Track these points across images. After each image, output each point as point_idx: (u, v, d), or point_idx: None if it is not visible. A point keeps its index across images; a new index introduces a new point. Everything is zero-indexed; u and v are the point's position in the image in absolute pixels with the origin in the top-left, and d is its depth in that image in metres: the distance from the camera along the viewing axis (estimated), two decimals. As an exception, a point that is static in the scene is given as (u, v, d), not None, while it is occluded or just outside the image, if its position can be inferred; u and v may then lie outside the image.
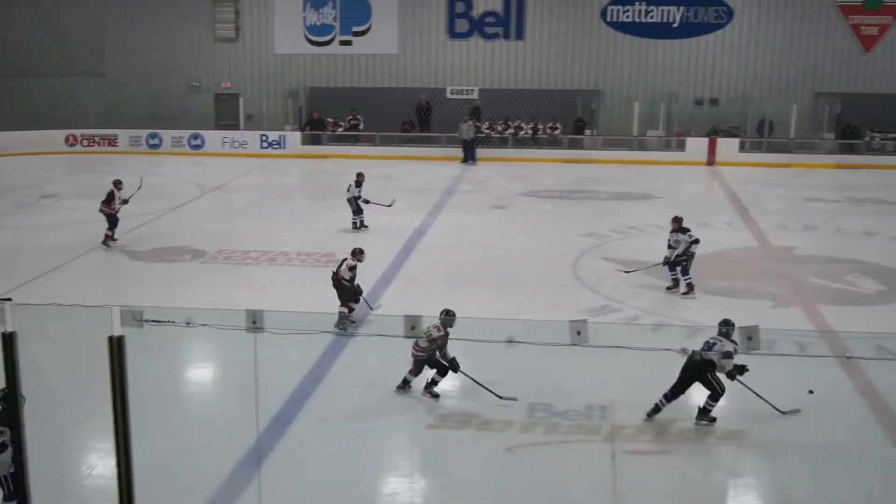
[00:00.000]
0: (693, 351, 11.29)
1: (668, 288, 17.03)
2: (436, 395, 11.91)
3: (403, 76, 35.76)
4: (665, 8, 34.74)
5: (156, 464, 9.05)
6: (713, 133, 33.31)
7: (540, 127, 33.69)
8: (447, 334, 11.62)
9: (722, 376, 11.10)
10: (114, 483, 6.91)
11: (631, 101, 33.88)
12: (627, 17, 34.97)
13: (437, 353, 11.77)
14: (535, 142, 33.78)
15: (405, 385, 11.98)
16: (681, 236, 16.74)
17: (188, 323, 9.57)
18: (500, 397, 11.61)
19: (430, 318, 11.27)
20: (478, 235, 21.34)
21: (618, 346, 10.51)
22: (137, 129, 34.67)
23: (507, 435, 10.91)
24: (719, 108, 34.81)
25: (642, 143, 33.86)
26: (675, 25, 34.84)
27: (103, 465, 9.79)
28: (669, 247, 16.89)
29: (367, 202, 21.71)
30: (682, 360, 11.10)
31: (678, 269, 16.80)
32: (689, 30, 34.86)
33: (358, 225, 21.77)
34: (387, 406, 11.64)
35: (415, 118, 34.36)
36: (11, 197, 25.64)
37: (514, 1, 35.19)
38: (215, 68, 36.53)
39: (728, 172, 30.42)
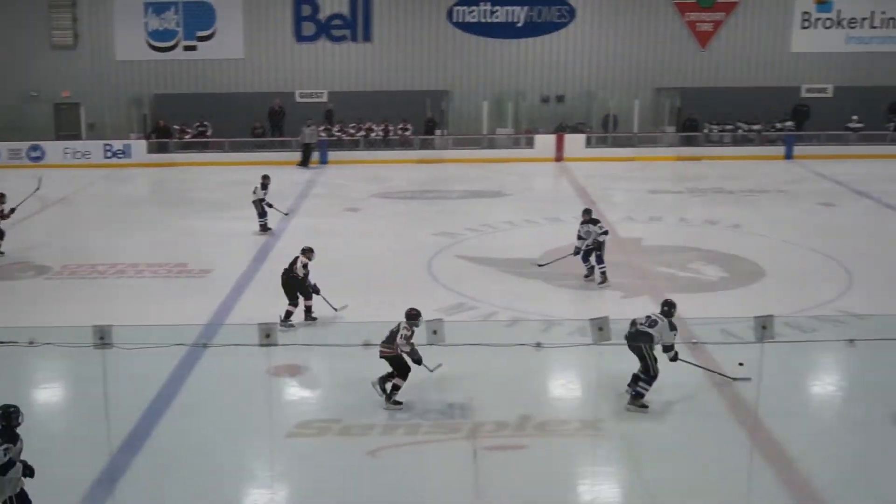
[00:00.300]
0: (632, 322, 11.68)
1: (585, 276, 17.49)
2: (399, 403, 11.66)
3: (251, 81, 35.24)
4: (509, 8, 35.24)
5: (2, 491, 8.66)
6: (560, 129, 33.96)
7: (391, 128, 33.73)
8: (413, 333, 11.48)
9: (659, 355, 11.53)
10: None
11: (479, 101, 34.26)
12: (473, 17, 35.34)
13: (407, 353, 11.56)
14: (386, 143, 33.80)
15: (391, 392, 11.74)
16: (591, 227, 17.24)
17: (31, 342, 9.22)
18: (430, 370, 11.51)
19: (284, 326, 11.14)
20: (332, 239, 21.18)
21: (475, 344, 10.65)
22: (-30, 142, 33.11)
23: (368, 439, 10.88)
24: (565, 104, 35.50)
25: (492, 141, 34.29)
26: (519, 25, 35.39)
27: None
28: (580, 237, 17.36)
29: (269, 205, 21.63)
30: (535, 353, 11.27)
31: (592, 258, 17.31)
32: (533, 29, 35.46)
33: (264, 227, 21.64)
34: (244, 416, 11.45)
35: (267, 123, 33.88)
36: None
37: (360, 3, 35.10)
38: (54, 76, 35.19)
39: (576, 167, 31.08)
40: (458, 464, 10.38)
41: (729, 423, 11.39)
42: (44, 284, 17.73)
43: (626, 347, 11.39)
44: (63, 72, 35.13)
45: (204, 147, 33.59)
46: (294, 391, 12.50)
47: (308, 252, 15.02)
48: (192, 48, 35.10)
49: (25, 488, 8.39)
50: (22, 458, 8.35)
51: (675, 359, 11.67)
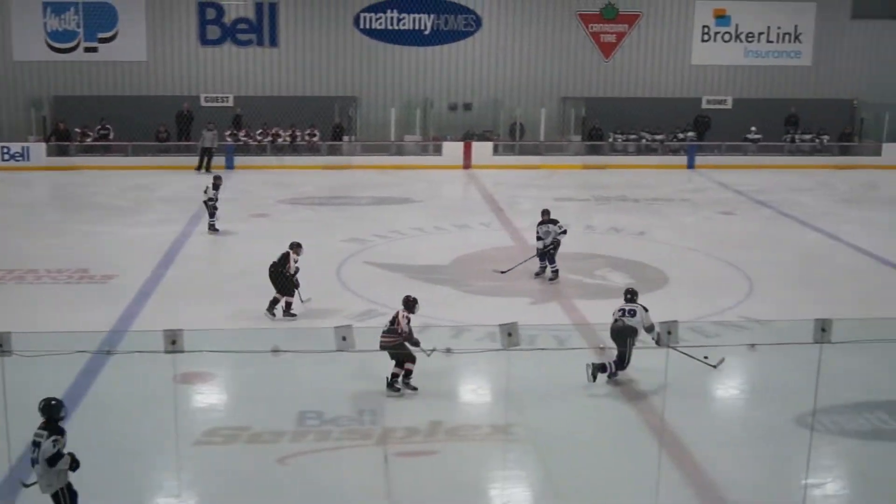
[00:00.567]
0: (616, 318, 12.67)
1: (536, 274, 18.15)
2: (414, 388, 12.21)
3: (155, 84, 34.58)
4: (416, 15, 35.33)
5: None
6: (468, 137, 34.13)
7: (298, 134, 33.46)
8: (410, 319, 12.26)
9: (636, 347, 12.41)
10: None
11: (387, 107, 34.23)
12: (380, 24, 35.30)
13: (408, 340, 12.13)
14: (294, 149, 33.48)
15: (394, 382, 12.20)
16: (550, 227, 17.97)
17: (-74, 351, 8.87)
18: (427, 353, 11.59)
19: (191, 332, 10.98)
20: (239, 245, 20.97)
21: (384, 350, 10.62)
22: None
23: (277, 446, 10.76)
24: (473, 112, 35.70)
25: (400, 148, 34.26)
26: (426, 33, 35.47)
27: None
28: (539, 238, 18.01)
29: (215, 208, 21.73)
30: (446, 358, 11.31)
31: (546, 258, 17.98)
32: (440, 37, 35.59)
33: (212, 227, 21.76)
34: (150, 425, 11.21)
35: (175, 127, 33.27)
36: None
37: (266, 8, 34.77)
38: (-53, 77, 34.09)
39: (484, 175, 31.26)
40: (369, 470, 10.33)
41: (637, 426, 11.56)
42: (-63, 292, 17.15)
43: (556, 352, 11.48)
44: (-43, 73, 34.05)
45: (106, 150, 32.82)
46: (201, 398, 12.29)
47: (297, 248, 15.55)
48: (94, 49, 34.28)
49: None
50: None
51: (658, 341, 11.80)
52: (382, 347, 12.05)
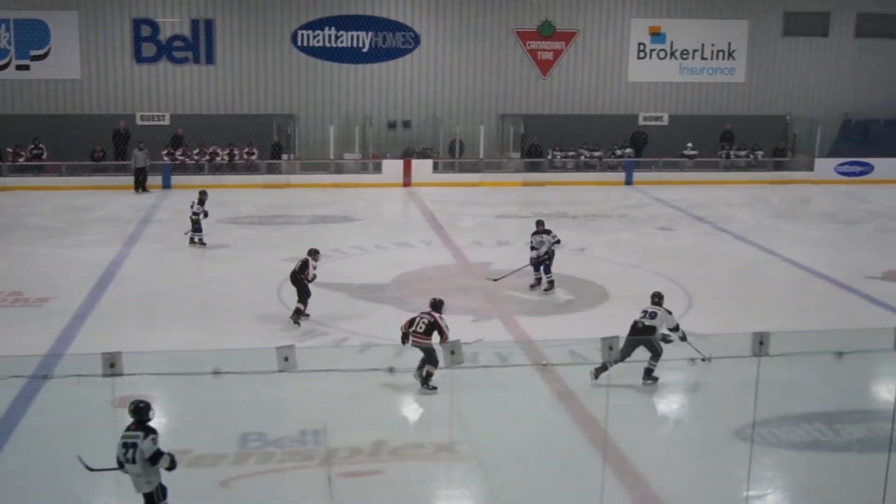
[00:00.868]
0: (636, 320, 13.28)
1: (531, 286, 18.72)
2: (434, 388, 12.73)
3: (89, 102, 34.12)
4: (354, 33, 35.31)
5: None
6: (407, 155, 34.14)
7: (236, 152, 33.21)
8: None
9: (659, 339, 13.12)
10: None
11: (326, 125, 34.13)
12: (318, 41, 35.24)
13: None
14: (232, 167, 33.23)
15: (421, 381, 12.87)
16: (544, 237, 18.57)
17: None
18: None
19: (130, 354, 10.82)
20: (177, 265, 20.71)
21: (327, 370, 10.55)
22: None
23: (219, 469, 10.62)
24: (412, 130, 35.73)
25: (339, 166, 34.16)
26: (364, 50, 35.47)
27: None
28: (532, 248, 18.63)
29: (198, 222, 22.21)
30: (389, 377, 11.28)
31: (541, 268, 18.49)
32: (378, 54, 35.61)
33: (196, 241, 22.17)
34: (88, 449, 10.97)
35: (110, 146, 32.78)
36: None
37: (202, 25, 34.51)
38: None
39: (424, 193, 31.27)
40: (313, 492, 10.25)
41: (580, 441, 11.60)
42: None
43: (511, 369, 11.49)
44: None
45: (39, 171, 32.28)
46: (141, 422, 12.08)
47: (315, 254, 16.45)
48: (26, 67, 33.73)
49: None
50: None
51: (684, 338, 13.27)
52: (415, 345, 13.01)
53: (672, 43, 37.14)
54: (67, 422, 11.78)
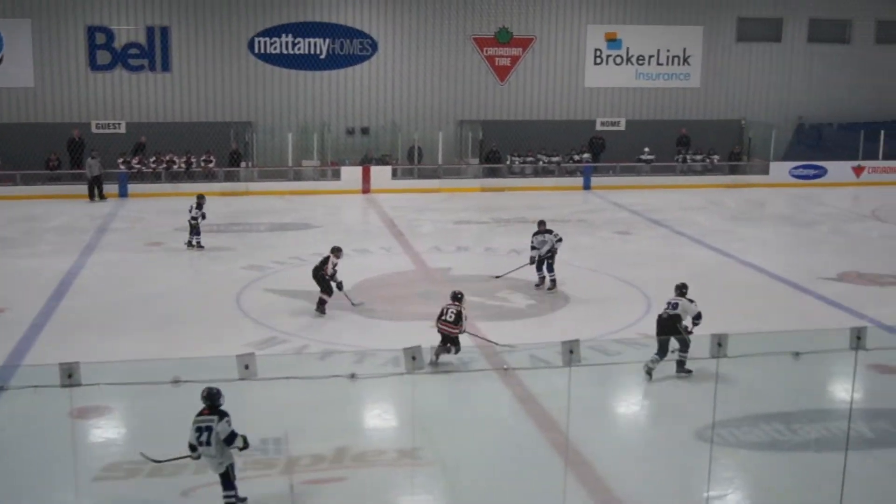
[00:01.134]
0: (659, 314, 13.97)
1: (536, 285, 19.29)
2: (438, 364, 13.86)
3: (43, 111, 33.75)
4: (311, 40, 35.24)
5: None
6: (366, 161, 34.06)
7: (193, 160, 32.99)
8: None
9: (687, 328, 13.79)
10: None
11: (284, 132, 33.98)
12: (275, 48, 35.11)
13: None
14: (189, 175, 33.01)
15: (437, 358, 13.86)
16: (546, 237, 19.12)
17: None
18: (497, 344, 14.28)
19: (88, 364, 10.71)
20: (134, 274, 20.52)
21: (287, 378, 10.50)
22: None
23: (180, 478, 10.52)
24: (371, 136, 35.70)
25: (298, 173, 34.03)
26: (322, 57, 35.40)
27: None
28: (533, 248, 19.19)
29: (196, 226, 22.73)
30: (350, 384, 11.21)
31: (544, 267, 19.08)
32: (336, 61, 35.56)
33: (193, 244, 22.72)
34: (47, 461, 10.88)
35: (66, 154, 32.42)
36: None
37: (157, 32, 34.27)
38: None
39: (383, 199, 31.24)
40: (276, 500, 10.20)
41: (542, 444, 11.64)
42: None
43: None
44: None
45: (-8, 180, 31.91)
46: (100, 433, 11.98)
47: (337, 252, 17.16)
48: (-22, 76, 33.37)
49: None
50: None
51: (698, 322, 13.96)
52: (440, 332, 14.12)
53: (628, 49, 37.45)
54: (25, 433, 11.63)
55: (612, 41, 37.42)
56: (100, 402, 12.32)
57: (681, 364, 13.76)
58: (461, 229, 26.29)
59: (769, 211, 31.36)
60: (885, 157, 35.99)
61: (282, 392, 11.96)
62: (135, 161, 32.46)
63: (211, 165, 33.00)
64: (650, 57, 37.72)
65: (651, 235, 25.77)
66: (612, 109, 37.58)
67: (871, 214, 29.47)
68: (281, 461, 11.04)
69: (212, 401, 9.74)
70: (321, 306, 17.07)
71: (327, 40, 35.34)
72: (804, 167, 35.71)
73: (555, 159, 35.64)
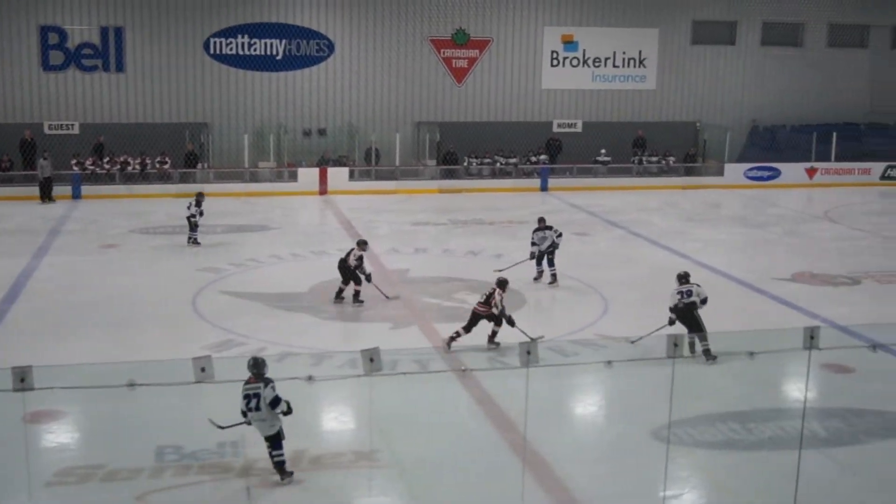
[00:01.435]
0: (671, 306, 14.74)
1: (534, 279, 19.85)
2: (497, 344, 14.94)
3: (-6, 111, 33.38)
4: (267, 41, 35.07)
5: None
6: (323, 163, 33.93)
7: (148, 161, 32.68)
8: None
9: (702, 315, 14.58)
10: None
11: (240, 134, 33.77)
12: (231, 49, 34.89)
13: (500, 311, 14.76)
14: (144, 177, 32.71)
15: (456, 337, 14.85)
16: (546, 233, 19.72)
17: None
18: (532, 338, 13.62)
19: (41, 368, 10.57)
20: (88, 276, 20.28)
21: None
22: None
23: (135, 483, 10.42)
24: (328, 138, 35.59)
25: (255, 174, 33.84)
26: (278, 58, 35.25)
27: None
28: (533, 244, 19.76)
29: (197, 223, 23.27)
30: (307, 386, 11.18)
31: (545, 261, 19.70)
32: (292, 62, 35.41)
33: (192, 240, 23.27)
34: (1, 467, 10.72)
35: (18, 155, 31.95)
36: None
37: (111, 33, 33.92)
38: None
39: (340, 201, 31.15)
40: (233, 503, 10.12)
41: (500, 446, 11.65)
42: None
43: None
44: None
45: (-59, 182, 31.41)
46: (53, 437, 11.80)
47: (362, 244, 17.91)
48: (-73, 76, 32.84)
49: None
50: None
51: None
52: (475, 313, 14.98)
53: (584, 51, 37.67)
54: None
55: (569, 43, 37.62)
56: (53, 406, 12.14)
57: (707, 353, 14.28)
58: (419, 231, 26.28)
59: (724, 212, 31.68)
60: (838, 159, 36.51)
61: (239, 395, 11.89)
62: (88, 162, 32.09)
63: (166, 167, 32.73)
64: (606, 59, 37.96)
65: (608, 237, 25.93)
66: (569, 111, 37.78)
67: (824, 215, 29.85)
68: (238, 464, 10.95)
69: (257, 369, 10.47)
70: (356, 297, 17.76)
71: (284, 41, 35.19)
72: (758, 169, 36.11)
73: (512, 161, 35.75)
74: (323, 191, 32.56)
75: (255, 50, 35.05)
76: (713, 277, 21.00)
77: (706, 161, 37.62)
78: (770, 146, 38.18)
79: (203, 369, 8.65)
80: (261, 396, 10.30)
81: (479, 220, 27.90)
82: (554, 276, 19.71)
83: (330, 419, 12.81)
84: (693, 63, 38.75)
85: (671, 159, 36.72)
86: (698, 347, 14.30)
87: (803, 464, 9.84)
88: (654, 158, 36.82)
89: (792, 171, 36.15)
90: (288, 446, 11.23)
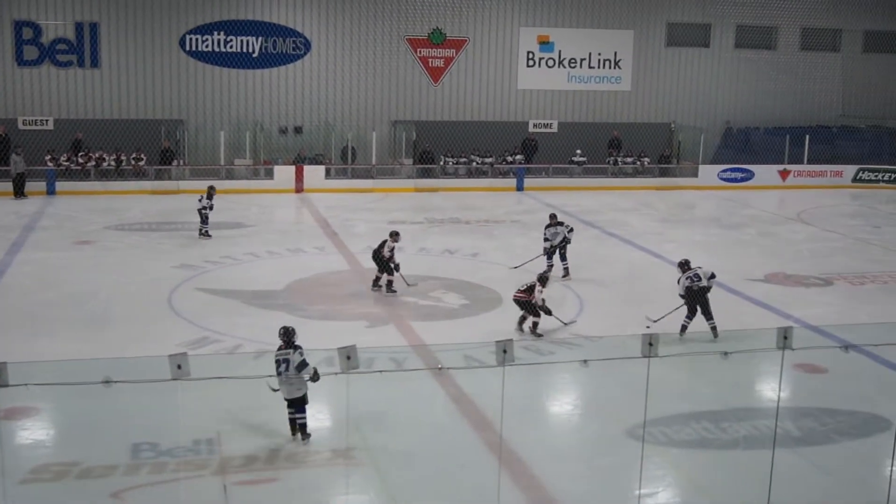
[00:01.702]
0: (689, 286, 15.95)
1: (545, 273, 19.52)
2: (540, 335, 15.64)
3: (-33, 107, 33.10)
4: (244, 38, 34.97)
5: None
6: (299, 161, 33.87)
7: (124, 158, 32.51)
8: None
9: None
10: None
11: (216, 131, 33.68)
12: (207, 46, 34.77)
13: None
14: (119, 173, 32.53)
15: (522, 322, 15.91)
16: (558, 228, 20.38)
17: None
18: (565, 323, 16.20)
19: (15, 365, 10.54)
20: (62, 273, 20.16)
21: (220, 377, 10.42)
22: None
23: (110, 480, 10.40)
24: (304, 136, 35.54)
25: (230, 172, 33.73)
26: (255, 55, 35.15)
27: None
28: (546, 239, 20.41)
29: (208, 216, 23.88)
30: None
31: (556, 256, 20.29)
32: (269, 60, 35.33)
33: (203, 232, 23.96)
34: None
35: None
36: None
37: (86, 28, 33.72)
38: None
39: (316, 199, 31.10)
40: (208, 501, 10.11)
41: (476, 444, 11.70)
42: None
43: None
44: None
45: (-86, 177, 31.11)
46: (27, 434, 11.75)
47: (395, 236, 18.90)
48: None
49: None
50: None
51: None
52: (515, 300, 15.87)
53: (560, 52, 37.79)
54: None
55: (545, 44, 37.73)
56: (28, 403, 12.09)
57: (714, 330, 15.84)
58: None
59: (698, 213, 31.89)
60: (810, 161, 36.82)
61: (214, 392, 11.88)
62: (63, 158, 31.89)
63: (141, 163, 32.57)
64: (582, 60, 38.11)
65: (583, 237, 25.91)
66: (545, 111, 37.91)
67: (797, 217, 30.09)
68: (214, 462, 10.95)
69: (288, 337, 11.43)
70: (389, 287, 18.58)
71: (260, 39, 35.11)
72: (732, 170, 36.35)
73: (488, 160, 35.83)
74: (299, 189, 32.50)
75: (231, 47, 34.94)
76: (687, 278, 21.13)
77: (680, 162, 37.86)
78: (744, 148, 38.45)
79: (179, 366, 8.64)
80: (290, 361, 11.13)
81: (455, 219, 27.95)
82: (566, 269, 20.29)
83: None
84: (668, 65, 38.99)
85: (646, 160, 36.90)
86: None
87: (777, 463, 9.94)
88: (630, 159, 36.98)
89: (765, 172, 36.42)
90: (264, 444, 11.28)
